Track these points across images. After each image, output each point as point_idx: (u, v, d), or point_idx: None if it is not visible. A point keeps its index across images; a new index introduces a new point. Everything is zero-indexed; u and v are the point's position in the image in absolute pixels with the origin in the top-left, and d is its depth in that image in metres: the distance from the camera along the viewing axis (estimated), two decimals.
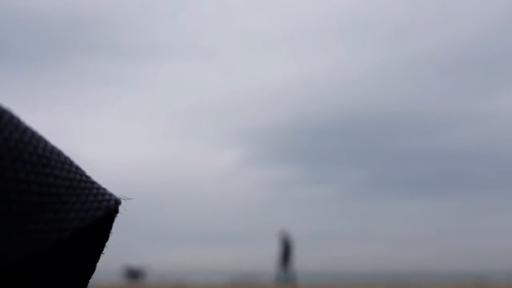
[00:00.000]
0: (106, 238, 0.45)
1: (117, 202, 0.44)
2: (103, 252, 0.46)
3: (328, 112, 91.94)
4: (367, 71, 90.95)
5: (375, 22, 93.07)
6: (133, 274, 24.35)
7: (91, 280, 0.46)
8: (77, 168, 0.43)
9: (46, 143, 0.41)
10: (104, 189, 0.44)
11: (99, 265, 0.44)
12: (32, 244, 0.38)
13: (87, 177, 0.43)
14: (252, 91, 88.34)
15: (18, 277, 0.42)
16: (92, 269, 0.46)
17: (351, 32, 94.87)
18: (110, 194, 0.44)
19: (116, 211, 0.44)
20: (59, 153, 0.42)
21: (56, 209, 0.40)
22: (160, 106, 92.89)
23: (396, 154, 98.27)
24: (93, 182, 0.43)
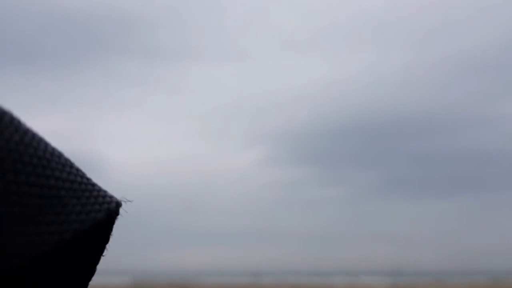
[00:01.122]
0: (106, 240, 0.45)
1: (118, 204, 0.44)
2: (104, 254, 0.45)
3: (350, 114, 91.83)
4: (393, 73, 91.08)
5: (404, 25, 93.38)
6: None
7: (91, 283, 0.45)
8: (78, 170, 0.42)
9: (46, 145, 0.41)
10: (105, 191, 0.44)
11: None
12: (32, 246, 0.38)
13: (88, 179, 0.43)
14: (278, 93, 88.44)
15: (18, 279, 0.42)
16: (92, 271, 0.45)
17: (381, 35, 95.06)
18: (111, 196, 0.44)
19: (117, 213, 0.44)
20: (60, 155, 0.41)
21: (57, 211, 0.39)
22: (184, 107, 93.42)
23: (410, 155, 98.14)
24: (93, 184, 0.43)
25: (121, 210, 0.44)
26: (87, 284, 0.45)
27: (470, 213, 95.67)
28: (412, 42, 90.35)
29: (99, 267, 0.45)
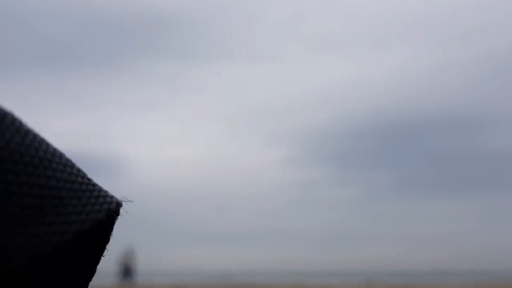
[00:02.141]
0: (107, 241, 0.45)
1: (118, 205, 0.44)
2: (104, 254, 0.46)
3: (374, 115, 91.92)
4: (422, 74, 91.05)
5: (438, 27, 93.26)
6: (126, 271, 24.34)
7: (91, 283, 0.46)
8: (79, 170, 0.43)
9: (47, 146, 0.41)
10: (106, 192, 0.44)
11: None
12: (33, 247, 0.38)
13: (89, 179, 0.43)
14: (306, 94, 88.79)
15: (19, 280, 0.43)
16: (92, 271, 0.46)
17: (413, 36, 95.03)
18: (111, 197, 0.44)
19: (117, 213, 0.44)
20: (61, 156, 0.42)
21: (58, 212, 0.40)
22: (210, 107, 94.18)
23: (428, 155, 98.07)
24: (94, 185, 0.43)
25: (121, 210, 0.44)
26: (87, 285, 0.46)
27: (484, 213, 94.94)
28: (444, 44, 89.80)
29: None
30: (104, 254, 0.46)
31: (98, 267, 0.46)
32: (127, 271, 21.95)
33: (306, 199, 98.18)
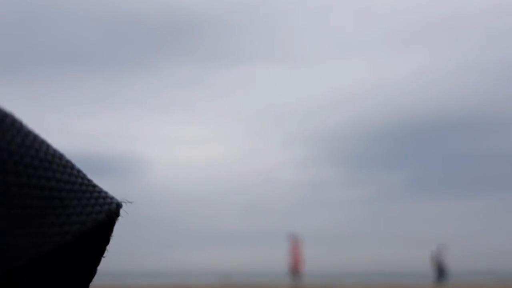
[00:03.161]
0: (107, 242, 0.45)
1: (119, 206, 0.44)
2: (104, 255, 0.46)
3: (391, 117, 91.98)
4: (443, 76, 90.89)
5: (461, 29, 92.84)
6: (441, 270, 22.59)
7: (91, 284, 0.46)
8: (79, 171, 0.43)
9: (48, 147, 0.41)
10: (106, 193, 0.44)
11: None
12: (33, 248, 0.38)
13: (89, 180, 0.43)
14: (326, 95, 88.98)
15: (19, 281, 0.43)
16: (93, 272, 0.46)
17: (436, 39, 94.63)
18: (112, 198, 0.44)
19: (117, 214, 0.44)
20: (61, 157, 0.42)
21: (58, 213, 0.40)
22: (231, 109, 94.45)
23: (442, 156, 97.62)
24: (94, 186, 0.43)
25: (121, 211, 0.45)
26: (87, 286, 0.46)
27: (494, 213, 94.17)
28: (464, 47, 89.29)
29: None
30: (104, 255, 0.46)
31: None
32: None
33: (316, 200, 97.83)
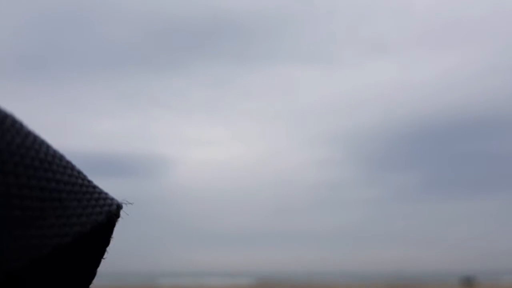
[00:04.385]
0: (107, 243, 0.45)
1: (119, 207, 0.44)
2: (104, 257, 0.45)
3: (415, 118, 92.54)
4: (470, 79, 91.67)
5: (489, 32, 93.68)
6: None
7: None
8: (79, 172, 0.42)
9: (48, 148, 0.41)
10: (106, 194, 0.44)
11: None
12: (33, 249, 0.38)
13: (89, 181, 0.43)
14: (355, 96, 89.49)
15: (19, 282, 0.43)
16: (93, 274, 0.45)
17: (469, 40, 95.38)
18: (112, 199, 0.44)
19: (117, 215, 0.44)
20: (61, 158, 0.41)
21: (58, 214, 0.39)
22: (257, 109, 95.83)
23: (460, 157, 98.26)
24: (94, 187, 0.43)
25: (121, 212, 0.44)
26: (88, 287, 0.45)
27: (503, 214, 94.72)
28: (498, 48, 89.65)
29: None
30: (104, 257, 0.45)
31: None
32: None
33: (332, 200, 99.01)
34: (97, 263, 0.45)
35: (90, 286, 0.46)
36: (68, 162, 0.42)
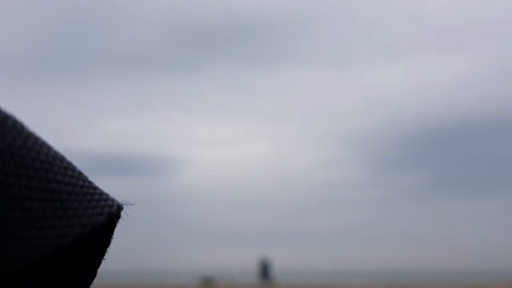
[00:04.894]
0: (107, 244, 0.45)
1: (119, 208, 0.44)
2: (105, 257, 0.45)
3: (427, 119, 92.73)
4: (482, 81, 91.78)
5: (502, 36, 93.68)
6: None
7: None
8: (80, 173, 0.42)
9: (49, 149, 0.41)
10: (107, 195, 0.44)
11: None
12: (34, 250, 0.38)
13: (90, 182, 0.43)
14: (367, 97, 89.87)
15: (19, 283, 0.43)
16: (93, 274, 0.46)
17: (477, 45, 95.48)
18: (113, 200, 0.44)
19: (118, 216, 0.44)
20: (62, 159, 0.41)
21: (58, 215, 0.39)
22: (269, 110, 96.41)
23: (467, 158, 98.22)
24: (95, 188, 0.43)
25: (122, 213, 0.44)
26: (88, 287, 0.45)
27: (510, 214, 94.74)
28: (505, 53, 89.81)
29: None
30: (105, 258, 0.45)
31: None
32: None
33: (340, 200, 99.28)
34: (97, 264, 0.45)
35: (90, 286, 0.46)
36: (69, 164, 0.42)
